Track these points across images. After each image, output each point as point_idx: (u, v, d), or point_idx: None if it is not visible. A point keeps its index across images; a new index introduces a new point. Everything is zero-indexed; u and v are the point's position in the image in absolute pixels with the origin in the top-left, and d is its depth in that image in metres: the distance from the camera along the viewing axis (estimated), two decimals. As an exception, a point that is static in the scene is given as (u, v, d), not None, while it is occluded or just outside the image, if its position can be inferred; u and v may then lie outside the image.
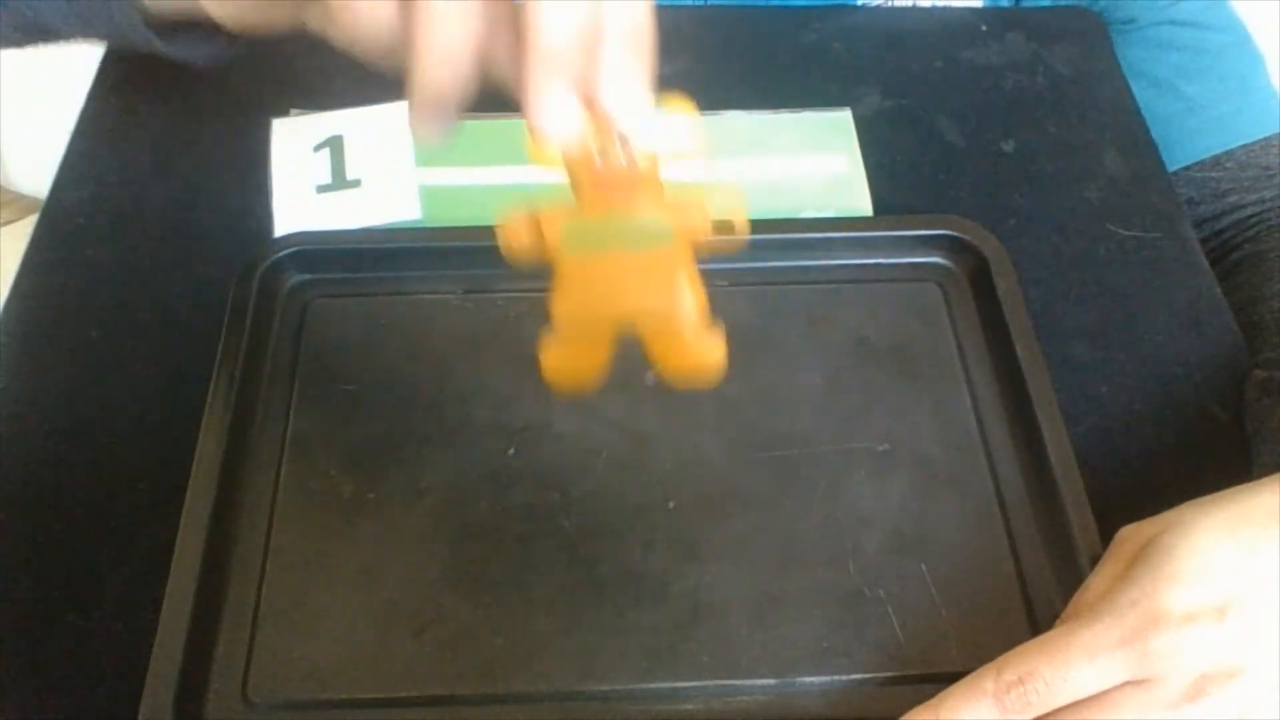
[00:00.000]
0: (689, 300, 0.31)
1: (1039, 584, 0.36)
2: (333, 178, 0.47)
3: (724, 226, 0.30)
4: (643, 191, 0.29)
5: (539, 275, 0.42)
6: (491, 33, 0.28)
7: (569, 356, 0.32)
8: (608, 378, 0.41)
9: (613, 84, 0.28)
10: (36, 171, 1.16)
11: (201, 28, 0.36)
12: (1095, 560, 0.35)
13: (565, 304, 0.31)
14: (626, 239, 0.30)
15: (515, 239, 0.30)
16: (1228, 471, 0.35)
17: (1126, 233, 0.47)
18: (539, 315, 0.43)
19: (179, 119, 0.50)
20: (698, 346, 0.32)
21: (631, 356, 0.42)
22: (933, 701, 0.32)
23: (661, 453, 0.39)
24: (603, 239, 0.30)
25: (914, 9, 0.56)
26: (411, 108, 0.29)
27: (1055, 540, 0.37)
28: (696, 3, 0.56)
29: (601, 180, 0.29)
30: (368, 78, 0.50)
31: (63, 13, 0.37)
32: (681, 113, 0.29)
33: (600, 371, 0.32)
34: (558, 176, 0.29)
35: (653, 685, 0.34)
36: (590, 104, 0.28)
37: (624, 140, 0.28)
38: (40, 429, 0.40)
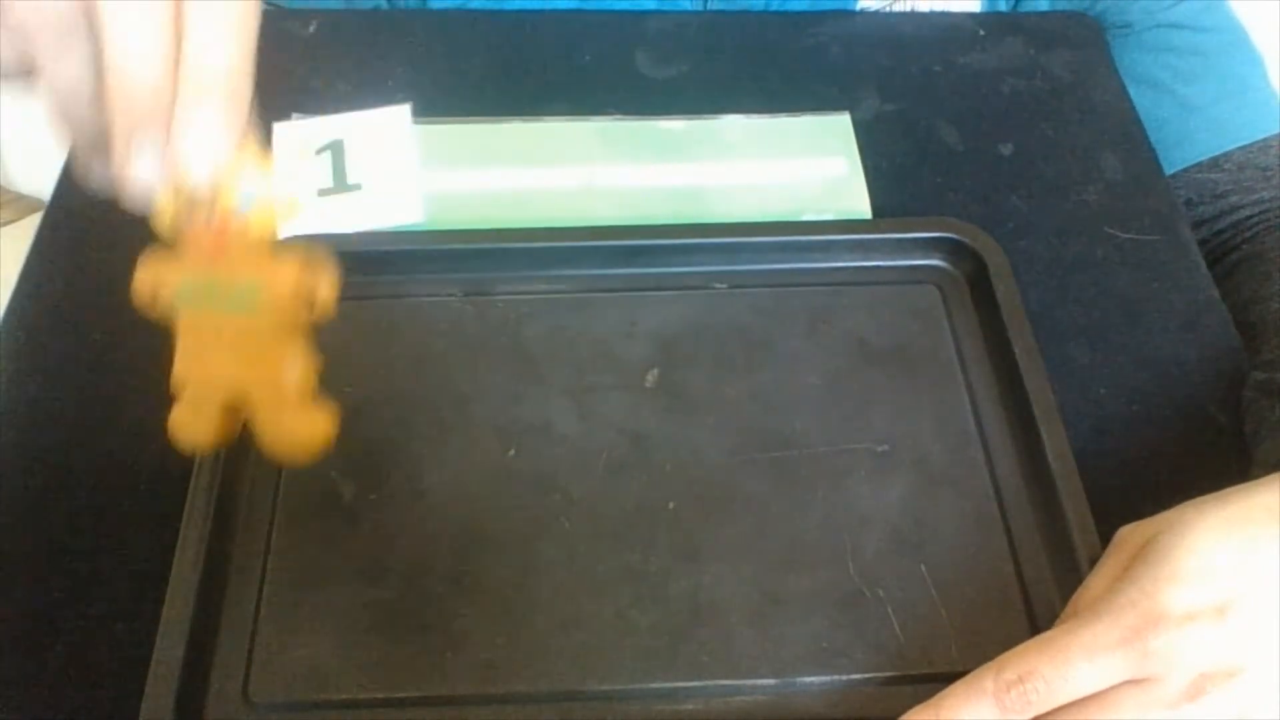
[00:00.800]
0: (292, 370, 0.30)
1: (1038, 584, 0.36)
2: (333, 181, 0.47)
3: (312, 288, 0.29)
4: (240, 252, 0.28)
5: (528, 280, 0.43)
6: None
7: (189, 415, 0.31)
8: (607, 381, 0.41)
9: (186, 132, 0.25)
10: (36, 171, 1.16)
11: None
12: (1094, 560, 0.35)
13: (179, 363, 0.30)
14: (228, 301, 0.29)
15: (141, 291, 0.29)
16: (1226, 472, 0.35)
17: (1124, 235, 0.47)
18: (540, 317, 0.43)
19: (181, 123, 0.50)
20: (299, 419, 0.31)
21: (631, 357, 0.42)
22: (932, 701, 0.32)
23: (661, 453, 0.39)
24: (207, 299, 0.29)
25: (912, 14, 0.56)
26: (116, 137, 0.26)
27: (1054, 540, 0.37)
28: (696, 8, 0.56)
29: (195, 237, 0.28)
30: (369, 82, 0.50)
31: None
32: (260, 164, 0.28)
33: (222, 434, 0.31)
34: (166, 225, 0.28)
35: (653, 685, 0.34)
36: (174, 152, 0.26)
37: (205, 195, 0.27)
38: (42, 430, 0.40)
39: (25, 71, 0.28)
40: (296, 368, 0.30)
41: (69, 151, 0.40)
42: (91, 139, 0.27)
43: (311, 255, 0.29)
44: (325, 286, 0.30)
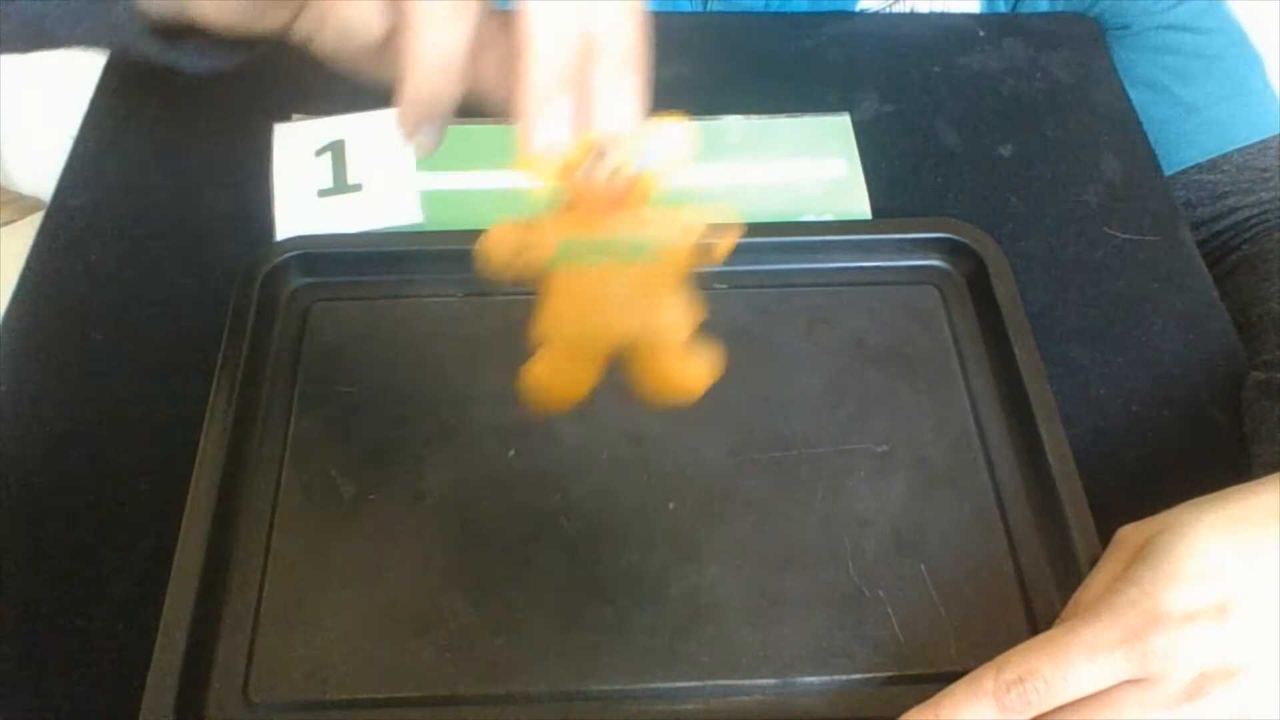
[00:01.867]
0: (677, 319, 0.31)
1: (1038, 584, 0.36)
2: (334, 182, 0.47)
3: (714, 239, 0.30)
4: (633, 207, 0.29)
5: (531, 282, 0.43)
6: (481, 43, 0.28)
7: (554, 373, 0.32)
8: (607, 382, 0.41)
9: (605, 99, 0.28)
10: (37, 172, 1.16)
11: (202, 36, 0.35)
12: (1094, 560, 0.35)
13: (552, 320, 0.31)
14: (615, 255, 0.30)
15: (498, 251, 0.30)
16: (1226, 472, 0.35)
17: (1124, 235, 0.47)
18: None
19: (182, 123, 0.50)
20: (682, 366, 0.31)
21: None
22: (932, 701, 0.32)
23: (661, 453, 0.39)
24: (591, 254, 0.30)
25: (912, 15, 0.56)
26: (400, 114, 0.29)
27: (1054, 540, 0.37)
28: (696, 9, 0.56)
29: (592, 195, 0.29)
30: (369, 84, 0.50)
31: (63, 17, 0.37)
32: (675, 126, 0.29)
33: (585, 389, 0.32)
34: (547, 189, 0.29)
35: (653, 685, 0.34)
36: (583, 118, 0.28)
37: (615, 154, 0.28)
38: (43, 431, 0.40)
39: (362, 54, 0.30)
40: (683, 315, 0.31)
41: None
42: (436, 107, 0.29)
43: (708, 208, 0.30)
44: (726, 236, 0.30)
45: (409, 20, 0.28)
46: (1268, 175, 0.53)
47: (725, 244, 0.30)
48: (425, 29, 0.27)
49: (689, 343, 0.31)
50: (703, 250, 0.30)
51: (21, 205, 1.19)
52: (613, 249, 0.30)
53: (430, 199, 0.47)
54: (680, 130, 0.29)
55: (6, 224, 1.17)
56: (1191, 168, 0.54)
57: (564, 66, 0.27)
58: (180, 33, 0.34)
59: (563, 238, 0.30)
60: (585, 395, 0.32)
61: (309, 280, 0.44)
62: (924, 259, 0.45)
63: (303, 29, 0.33)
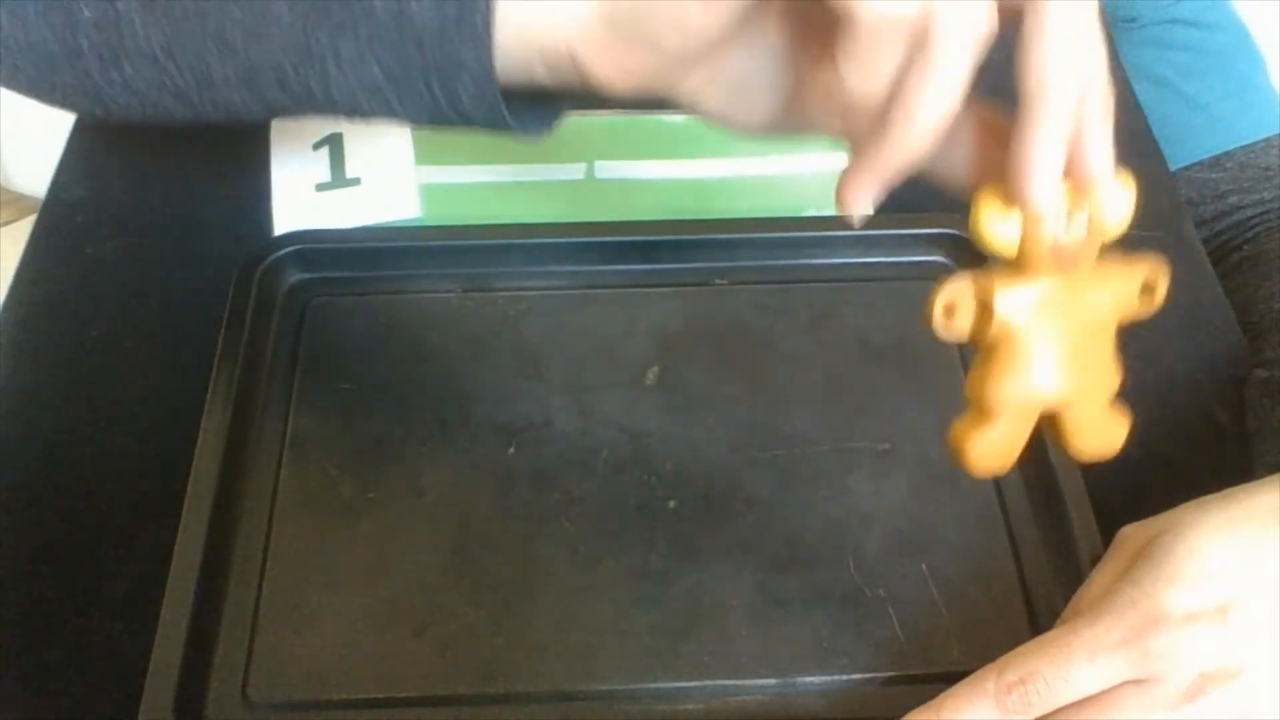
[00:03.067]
0: (1114, 375, 0.31)
1: (1039, 584, 0.36)
2: (332, 176, 0.47)
3: (1147, 294, 0.30)
4: (1088, 263, 0.29)
5: (527, 276, 0.42)
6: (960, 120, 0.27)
7: (990, 435, 0.31)
8: (607, 381, 0.41)
9: (1098, 147, 0.27)
10: (36, 171, 1.16)
11: (543, 94, 0.32)
12: (1096, 560, 0.35)
13: (995, 380, 0.30)
14: (1070, 314, 0.29)
15: (958, 309, 0.29)
16: (1229, 471, 0.35)
17: (1127, 231, 0.47)
18: (540, 314, 0.43)
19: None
20: (1107, 424, 0.31)
21: (632, 355, 0.42)
22: (934, 702, 0.32)
23: (661, 453, 0.39)
24: (1047, 313, 0.29)
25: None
26: (858, 175, 0.28)
27: (1056, 540, 0.37)
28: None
29: (1060, 250, 0.28)
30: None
31: (368, 87, 0.31)
32: (1124, 182, 0.29)
33: (1021, 447, 0.31)
34: (1006, 244, 0.28)
35: (653, 685, 0.34)
36: (1068, 168, 0.27)
37: (1089, 207, 0.28)
38: (40, 428, 0.40)
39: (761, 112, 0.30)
40: (1116, 372, 0.31)
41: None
42: (903, 170, 0.27)
43: (1142, 259, 0.30)
44: (1161, 285, 0.30)
45: (923, 71, 0.26)
46: (1270, 174, 0.53)
47: (1159, 294, 0.30)
48: (931, 83, 0.26)
49: (1113, 399, 0.31)
50: (1141, 303, 0.30)
51: (21, 205, 1.18)
52: (1071, 305, 0.29)
53: (429, 193, 0.47)
54: (1128, 185, 0.29)
55: (6, 224, 1.16)
56: (1193, 165, 0.54)
57: (1070, 127, 0.26)
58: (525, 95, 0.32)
59: (1023, 294, 0.29)
60: (1015, 458, 0.31)
61: (307, 275, 0.43)
62: (927, 255, 0.45)
63: (690, 88, 0.31)
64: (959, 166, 0.29)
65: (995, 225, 0.28)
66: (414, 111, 0.32)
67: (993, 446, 0.31)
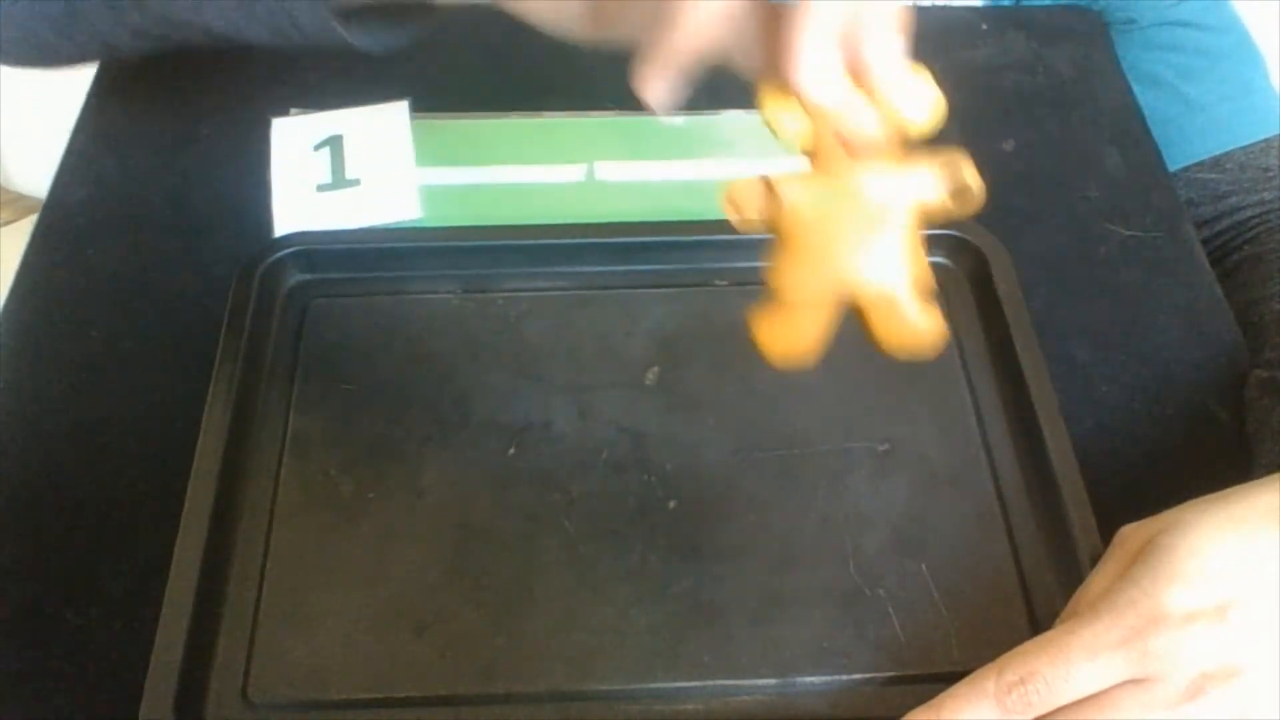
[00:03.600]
0: (913, 269, 0.30)
1: (1039, 584, 0.36)
2: (333, 177, 0.47)
3: (959, 193, 0.30)
4: (881, 157, 0.29)
5: (527, 277, 0.42)
6: (744, 12, 0.28)
7: (788, 325, 0.31)
8: (609, 380, 0.41)
9: (877, 43, 0.28)
10: (36, 171, 1.16)
11: (390, 10, 0.35)
12: (1095, 560, 0.35)
13: (789, 269, 0.30)
14: (861, 204, 0.30)
15: (742, 203, 0.30)
16: (1228, 471, 0.35)
17: (1127, 232, 0.47)
18: (539, 315, 0.43)
19: (179, 118, 0.50)
20: (916, 317, 0.31)
21: (631, 355, 0.42)
22: (934, 702, 0.32)
23: (661, 453, 0.39)
24: (838, 203, 0.30)
25: (914, 8, 0.56)
26: (649, 67, 0.29)
27: (1055, 540, 0.37)
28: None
29: (846, 143, 0.29)
30: (367, 78, 0.50)
31: (220, 7, 0.36)
32: (924, 82, 0.29)
33: (819, 342, 0.32)
34: (796, 139, 0.29)
35: (653, 685, 0.34)
36: (849, 66, 0.28)
37: (873, 103, 0.28)
38: (40, 429, 0.40)
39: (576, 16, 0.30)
40: (918, 265, 0.30)
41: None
42: (689, 64, 0.29)
43: (949, 154, 0.30)
44: (973, 183, 0.30)
45: None
46: (1270, 174, 0.53)
47: (974, 192, 0.30)
48: None
49: (924, 294, 0.31)
50: (952, 199, 0.30)
51: (21, 205, 1.18)
52: (859, 197, 0.30)
53: (429, 194, 0.47)
54: (931, 86, 0.29)
55: (6, 224, 1.16)
56: (1193, 166, 0.54)
57: (837, 23, 0.27)
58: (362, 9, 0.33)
59: (808, 186, 0.30)
60: (816, 350, 0.31)
61: (307, 276, 0.43)
62: (926, 255, 0.45)
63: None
64: (754, 58, 0.30)
65: (781, 117, 0.29)
66: (258, 32, 0.35)
67: (789, 336, 0.31)
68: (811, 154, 0.30)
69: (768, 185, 0.30)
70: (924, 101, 0.29)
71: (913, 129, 0.29)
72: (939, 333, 0.31)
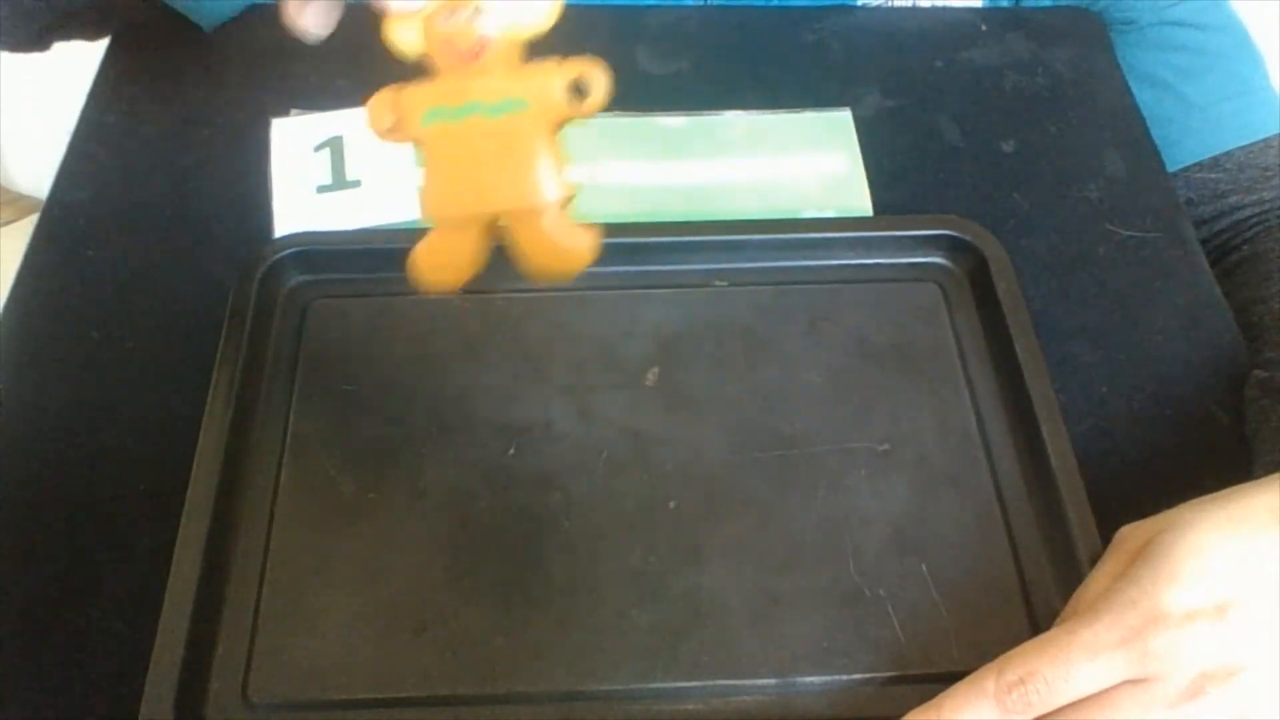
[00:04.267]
0: (550, 178, 0.30)
1: (1039, 584, 0.36)
2: (333, 178, 0.47)
3: (581, 94, 0.29)
4: (499, 65, 0.29)
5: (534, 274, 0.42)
6: None
7: (439, 247, 0.31)
8: (607, 381, 0.41)
9: None
10: (36, 171, 1.16)
11: None
12: (1095, 560, 0.35)
13: (429, 187, 0.30)
14: (483, 113, 0.29)
15: (378, 118, 0.29)
16: (1228, 471, 0.35)
17: (1126, 233, 0.47)
18: (540, 315, 0.43)
19: (179, 119, 0.50)
20: (561, 232, 0.30)
21: (632, 356, 0.42)
22: (933, 702, 0.32)
23: (661, 453, 0.39)
24: (459, 114, 0.29)
25: (914, 9, 0.56)
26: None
27: (1055, 540, 0.37)
28: (697, 2, 0.56)
29: (457, 53, 0.28)
30: (368, 79, 0.50)
31: None
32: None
33: (472, 264, 0.31)
34: (411, 50, 0.29)
35: (653, 685, 0.34)
36: None
37: (479, 12, 0.28)
38: (40, 429, 0.40)
39: None
40: (558, 178, 0.30)
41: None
42: None
43: (574, 60, 0.29)
44: (596, 86, 0.29)
45: None
46: (1269, 174, 0.53)
47: (595, 94, 0.29)
48: None
49: (565, 211, 0.30)
50: (571, 106, 0.29)
51: (21, 205, 1.18)
52: (480, 107, 0.29)
53: (429, 195, 0.47)
54: None
55: (6, 224, 1.16)
56: (1193, 165, 0.54)
57: None
58: None
59: (432, 99, 0.29)
60: (471, 275, 0.31)
61: (308, 277, 0.43)
62: (925, 256, 0.45)
63: None
64: None
65: (397, 28, 0.28)
66: None
67: (437, 260, 0.31)
68: (432, 66, 0.29)
69: (399, 99, 0.29)
70: (536, 3, 0.28)
71: (522, 32, 0.29)
72: (586, 249, 0.30)
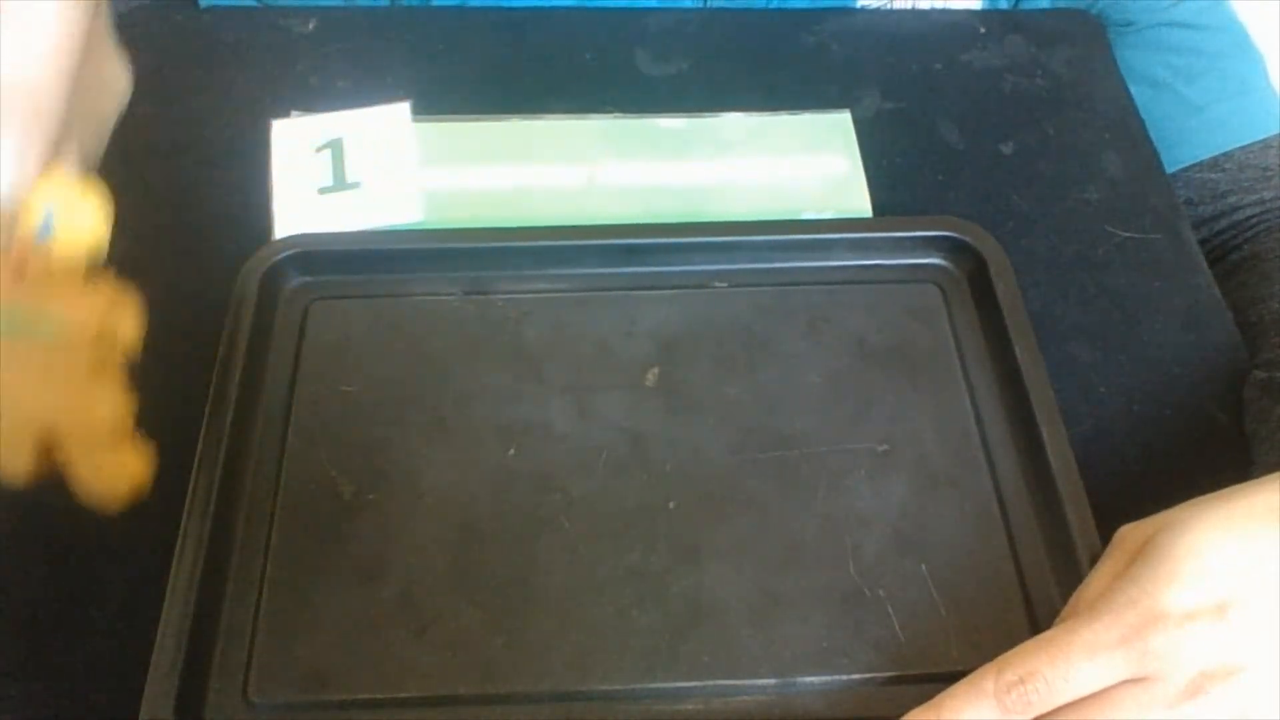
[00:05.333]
0: (102, 407, 0.28)
1: (1039, 584, 0.36)
2: (333, 179, 0.47)
3: (116, 320, 0.28)
4: (45, 282, 0.27)
5: (527, 279, 0.42)
6: None
7: (4, 446, 0.28)
8: (606, 381, 0.41)
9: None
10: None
11: None
12: (1095, 559, 0.35)
13: None
14: (27, 331, 0.27)
15: None
16: (1227, 471, 0.35)
17: (1125, 234, 0.47)
18: (540, 316, 0.43)
19: (179, 120, 0.50)
20: (111, 459, 0.29)
21: (631, 356, 0.42)
22: (933, 702, 0.32)
23: (661, 453, 0.39)
24: (8, 328, 0.27)
25: (913, 11, 0.56)
26: None
27: (1055, 540, 0.37)
28: (696, 5, 0.56)
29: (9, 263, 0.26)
30: (368, 80, 0.50)
31: None
32: (78, 189, 0.27)
33: (39, 467, 0.28)
34: None
35: (653, 685, 0.34)
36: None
37: (17, 222, 0.25)
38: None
39: None
40: (107, 405, 0.28)
41: None
42: None
43: (115, 291, 0.28)
44: (128, 324, 0.28)
45: None
46: (1269, 174, 0.53)
47: (127, 331, 0.28)
48: None
49: (116, 436, 0.29)
50: (110, 333, 0.28)
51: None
52: (28, 324, 0.27)
53: (430, 197, 0.47)
54: (85, 193, 0.27)
55: (4, 223, 1.16)
56: (1192, 166, 0.54)
57: None
58: None
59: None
60: (43, 476, 0.28)
61: (308, 279, 0.43)
62: (925, 257, 0.45)
63: None
64: None
65: None
66: None
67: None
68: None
69: None
70: (70, 210, 0.26)
71: (72, 250, 0.27)
72: (133, 479, 0.29)
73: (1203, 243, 0.51)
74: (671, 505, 0.38)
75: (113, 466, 0.29)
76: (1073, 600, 0.34)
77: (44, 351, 0.28)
